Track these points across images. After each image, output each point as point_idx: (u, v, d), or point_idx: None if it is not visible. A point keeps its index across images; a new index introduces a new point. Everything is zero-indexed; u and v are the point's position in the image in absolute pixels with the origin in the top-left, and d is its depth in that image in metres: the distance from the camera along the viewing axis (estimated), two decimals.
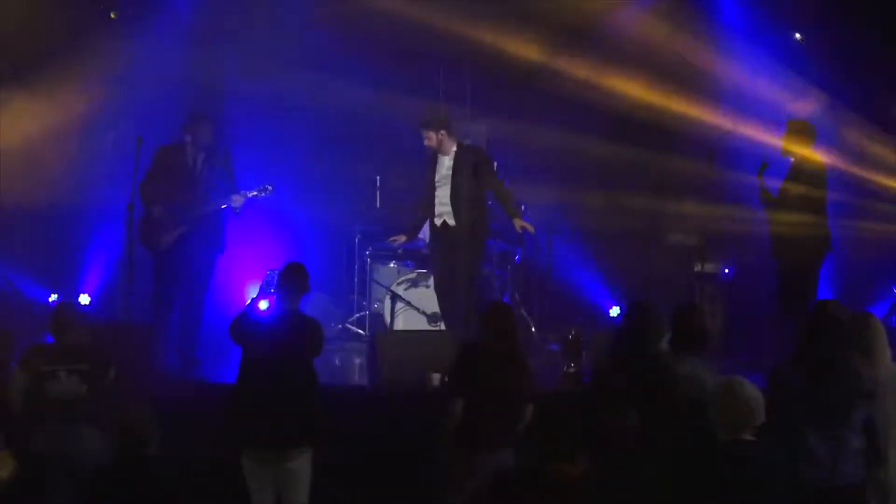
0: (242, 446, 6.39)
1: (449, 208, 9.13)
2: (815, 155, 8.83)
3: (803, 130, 8.84)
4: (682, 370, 5.68)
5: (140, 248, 9.06)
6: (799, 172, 8.75)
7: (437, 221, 9.26)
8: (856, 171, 10.37)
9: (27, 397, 6.55)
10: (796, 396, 5.43)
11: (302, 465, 6.37)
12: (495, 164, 9.66)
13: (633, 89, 11.06)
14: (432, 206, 9.26)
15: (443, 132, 9.13)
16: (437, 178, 9.21)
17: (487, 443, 6.15)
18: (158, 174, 9.01)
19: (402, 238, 9.57)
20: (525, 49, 11.06)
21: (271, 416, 6.29)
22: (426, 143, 9.15)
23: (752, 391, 4.95)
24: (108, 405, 6.45)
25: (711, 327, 5.98)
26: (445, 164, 9.18)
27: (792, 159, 8.81)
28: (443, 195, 9.18)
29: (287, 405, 6.30)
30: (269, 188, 9.20)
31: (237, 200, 9.05)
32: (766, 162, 8.83)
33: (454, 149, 9.17)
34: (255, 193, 9.14)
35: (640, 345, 5.83)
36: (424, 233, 10.47)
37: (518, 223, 9.23)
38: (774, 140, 9.17)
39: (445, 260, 9.24)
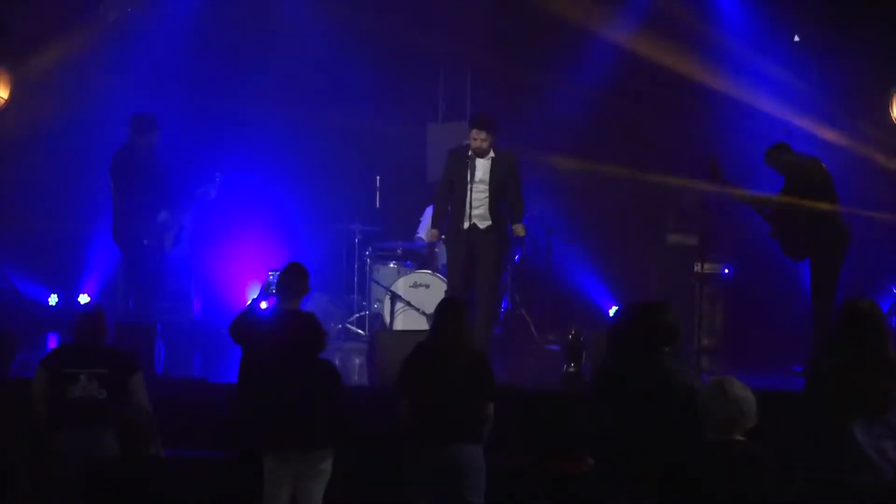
0: (265, 447, 6.31)
1: (482, 211, 8.90)
2: (797, 159, 8.91)
3: (779, 150, 8.93)
4: (653, 366, 5.71)
5: None
6: (796, 174, 8.80)
7: (465, 224, 8.97)
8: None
9: (49, 398, 6.54)
10: (839, 393, 5.43)
11: (327, 464, 6.33)
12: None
13: (633, 89, 11.09)
14: (461, 207, 8.97)
15: (492, 135, 8.93)
16: (470, 180, 8.91)
17: (437, 439, 6.13)
18: (144, 181, 9.07)
19: (437, 232, 9.33)
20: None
21: (297, 416, 6.22)
22: (479, 143, 8.83)
23: (741, 391, 4.94)
24: (130, 411, 6.42)
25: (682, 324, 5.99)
26: (482, 166, 8.92)
27: (786, 172, 8.91)
28: (477, 198, 8.92)
29: (312, 404, 6.23)
30: (217, 177, 9.45)
31: (209, 193, 9.41)
32: (712, 157, 8.87)
33: (492, 154, 8.93)
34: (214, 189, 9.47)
35: (635, 345, 5.85)
36: (424, 233, 10.45)
37: (518, 229, 9.13)
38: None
39: (466, 264, 8.99)
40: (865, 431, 5.43)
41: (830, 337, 5.88)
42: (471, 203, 8.92)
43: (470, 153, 8.93)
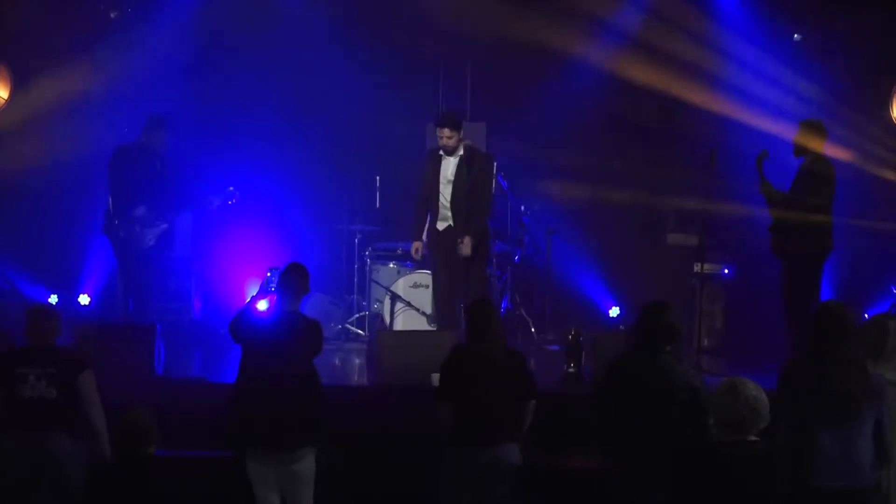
0: (247, 448, 6.37)
1: (455, 211, 8.95)
2: (825, 155, 8.82)
3: (816, 129, 8.81)
4: (655, 366, 5.71)
5: None
6: (809, 172, 8.73)
7: (441, 225, 9.08)
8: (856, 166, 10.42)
9: (2, 400, 6.46)
10: (808, 395, 5.44)
11: (307, 465, 6.36)
12: (495, 170, 9.56)
13: (634, 89, 11.08)
14: (436, 208, 9.09)
15: (461, 133, 8.95)
16: (441, 180, 9.00)
17: (480, 441, 6.15)
18: (129, 173, 9.25)
19: (420, 245, 9.24)
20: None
21: (276, 417, 6.28)
22: (444, 141, 8.87)
23: (754, 391, 4.94)
24: (81, 410, 6.42)
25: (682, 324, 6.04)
26: (451, 165, 8.98)
27: (804, 159, 8.79)
28: (450, 198, 8.97)
29: (291, 406, 6.28)
30: (234, 192, 9.59)
31: (212, 202, 9.57)
32: (765, 151, 8.79)
33: (461, 152, 9.01)
34: (220, 201, 9.60)
35: (642, 346, 5.86)
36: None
37: (464, 245, 8.86)
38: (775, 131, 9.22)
39: (447, 265, 9.05)
40: (832, 435, 5.44)
41: (802, 340, 5.91)
42: (443, 203, 8.98)
43: (440, 153, 8.97)
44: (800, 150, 8.76)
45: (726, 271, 10.45)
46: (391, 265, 10.71)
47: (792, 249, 8.67)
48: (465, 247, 8.91)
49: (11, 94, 10.82)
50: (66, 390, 6.43)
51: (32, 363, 6.47)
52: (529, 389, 6.34)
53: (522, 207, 10.71)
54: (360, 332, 10.59)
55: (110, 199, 9.25)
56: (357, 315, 10.72)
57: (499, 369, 6.25)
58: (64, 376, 6.45)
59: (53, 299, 10.80)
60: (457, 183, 8.94)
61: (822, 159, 8.73)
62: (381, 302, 10.49)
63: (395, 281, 10.45)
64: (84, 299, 10.76)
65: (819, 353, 5.56)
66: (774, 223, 8.83)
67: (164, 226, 9.34)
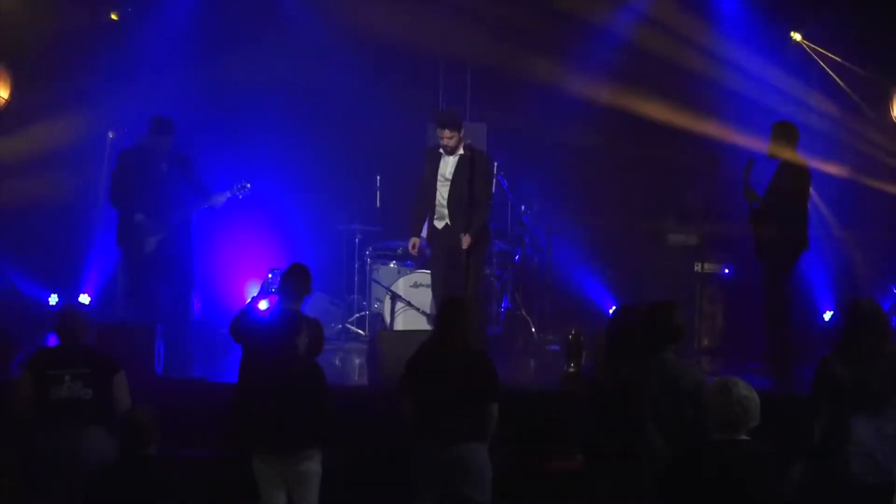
0: (252, 448, 6.37)
1: (453, 210, 8.97)
2: (797, 155, 8.86)
3: (786, 130, 8.87)
4: (656, 365, 5.72)
5: None
6: (783, 173, 8.77)
7: (439, 224, 9.15)
8: (857, 171, 10.43)
9: (34, 400, 6.51)
10: (845, 391, 5.47)
11: (312, 465, 6.35)
12: (495, 170, 9.56)
13: (634, 90, 11.09)
14: (433, 206, 9.14)
15: (462, 133, 9.00)
16: (439, 178, 9.08)
17: (441, 439, 6.14)
18: (130, 179, 9.18)
19: (417, 241, 9.31)
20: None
21: (279, 417, 6.27)
22: (445, 142, 8.92)
23: (745, 391, 4.95)
24: (113, 409, 6.46)
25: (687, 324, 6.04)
26: (450, 164, 9.02)
27: (778, 160, 8.84)
28: (447, 196, 9.00)
29: (293, 406, 6.27)
30: (247, 185, 9.38)
31: (218, 200, 9.28)
32: (752, 158, 8.84)
33: (461, 151, 9.05)
34: (230, 194, 9.36)
35: (632, 346, 5.87)
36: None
37: (464, 238, 8.91)
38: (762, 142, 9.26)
39: (445, 264, 9.08)
40: (871, 431, 5.46)
41: (835, 336, 5.93)
42: (440, 202, 9.03)
43: (440, 151, 9.02)
44: (774, 153, 8.82)
45: (726, 271, 10.45)
46: (391, 265, 10.71)
47: (768, 251, 8.73)
48: (465, 241, 8.93)
49: (12, 94, 10.82)
50: (102, 391, 6.49)
51: (66, 364, 6.52)
52: (490, 392, 6.23)
53: (522, 207, 10.72)
54: (360, 332, 10.59)
55: (116, 208, 9.24)
56: (357, 315, 10.73)
57: (460, 368, 6.21)
58: (100, 377, 6.52)
59: (53, 299, 10.80)
60: (455, 182, 8.97)
61: (794, 160, 8.78)
62: (382, 302, 10.50)
63: (396, 281, 10.45)
64: (84, 299, 10.75)
65: (854, 349, 5.58)
66: (754, 227, 8.91)
67: (165, 232, 9.27)
